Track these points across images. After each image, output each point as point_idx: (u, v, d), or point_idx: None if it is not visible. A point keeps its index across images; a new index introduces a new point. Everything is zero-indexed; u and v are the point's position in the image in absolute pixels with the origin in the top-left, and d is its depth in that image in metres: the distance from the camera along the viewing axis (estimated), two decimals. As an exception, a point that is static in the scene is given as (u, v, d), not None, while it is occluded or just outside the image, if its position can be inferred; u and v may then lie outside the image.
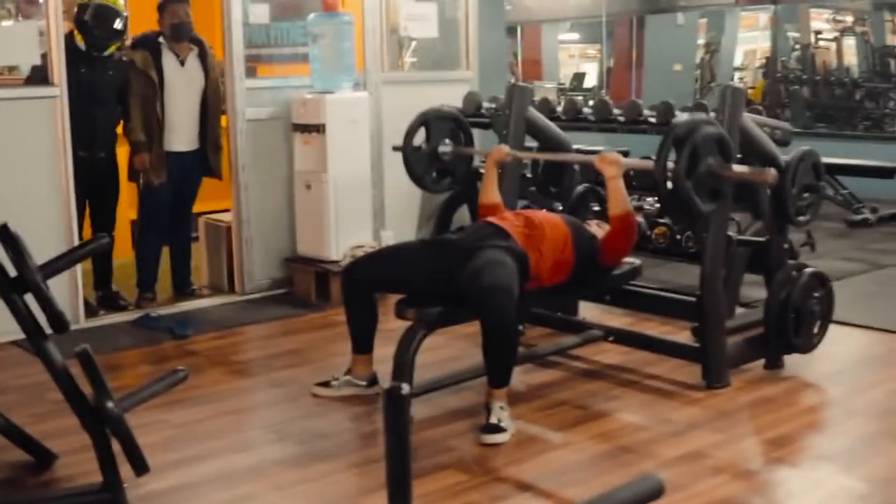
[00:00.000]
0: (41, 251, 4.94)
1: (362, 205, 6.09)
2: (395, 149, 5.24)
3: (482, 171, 4.83)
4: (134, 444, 3.11)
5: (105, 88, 5.65)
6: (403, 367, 4.00)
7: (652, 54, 11.88)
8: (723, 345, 4.34)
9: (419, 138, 5.13)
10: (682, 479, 3.42)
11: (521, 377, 4.49)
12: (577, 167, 5.21)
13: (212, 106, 5.80)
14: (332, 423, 4.04)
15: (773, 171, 3.95)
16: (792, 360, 4.57)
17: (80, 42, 5.51)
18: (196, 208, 6.30)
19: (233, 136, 5.96)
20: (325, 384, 4.36)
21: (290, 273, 6.16)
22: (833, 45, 12.63)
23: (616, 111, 5.07)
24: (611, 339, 4.73)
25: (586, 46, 15.99)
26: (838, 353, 4.83)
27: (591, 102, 5.64)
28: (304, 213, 6.04)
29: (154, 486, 3.41)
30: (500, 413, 3.85)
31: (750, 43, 14.28)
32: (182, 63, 5.74)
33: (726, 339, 4.36)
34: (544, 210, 4.75)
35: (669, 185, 3.87)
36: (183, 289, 6.11)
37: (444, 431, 3.92)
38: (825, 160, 8.01)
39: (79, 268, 5.42)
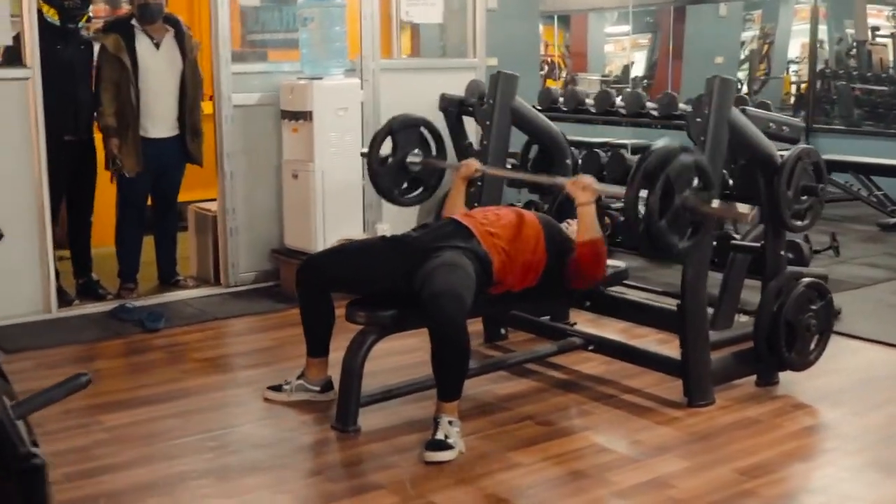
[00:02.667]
0: (12, 235, 4.92)
1: (352, 196, 5.81)
2: (364, 156, 4.94)
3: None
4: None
5: (82, 65, 5.44)
6: (351, 374, 3.74)
7: (692, 46, 11.40)
8: (705, 359, 3.98)
9: (387, 149, 4.81)
10: (631, 511, 3.10)
11: (490, 386, 4.20)
12: (568, 162, 4.87)
13: (190, 89, 5.54)
14: (274, 432, 3.77)
15: (753, 211, 3.58)
16: (788, 377, 4.21)
17: (51, 16, 5.29)
18: (188, 196, 6.10)
19: (218, 123, 5.71)
20: (278, 388, 4.10)
21: (278, 265, 5.91)
22: (890, 42, 12.08)
23: (650, 104, 4.73)
24: (591, 348, 4.39)
25: (638, 37, 15.55)
26: (843, 369, 4.45)
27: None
28: (291, 203, 5.78)
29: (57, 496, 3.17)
30: (448, 428, 3.55)
31: (805, 36, 13.75)
32: (157, 45, 5.49)
33: (709, 353, 4.01)
34: (518, 206, 4.43)
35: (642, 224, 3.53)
36: (168, 279, 5.90)
37: (390, 445, 3.63)
38: (864, 159, 7.80)
39: (50, 256, 5.24)
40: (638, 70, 14.37)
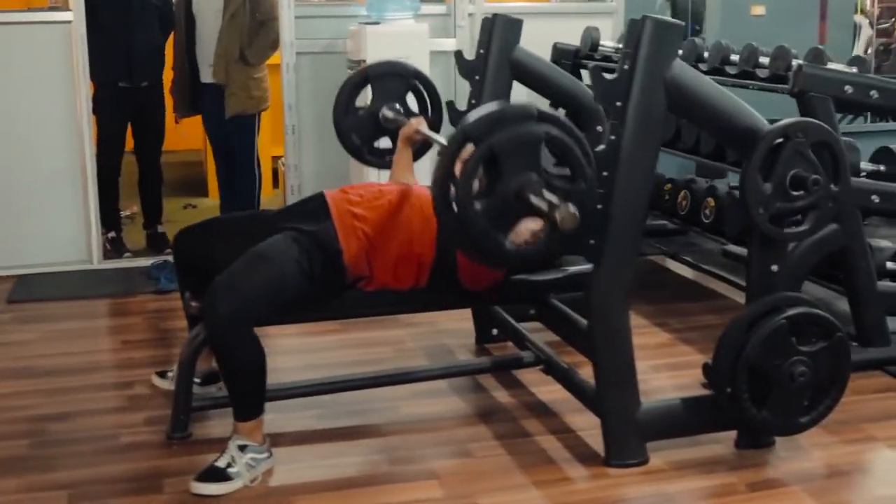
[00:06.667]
0: (54, 180, 4.93)
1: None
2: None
3: None
4: None
5: (140, 10, 5.19)
6: (181, 368, 3.15)
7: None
8: (628, 401, 2.93)
9: (365, 99, 3.95)
10: None
11: (403, 402, 3.41)
12: (600, 129, 3.84)
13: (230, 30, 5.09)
14: (109, 427, 3.28)
15: (571, 213, 2.47)
16: (797, 443, 3.04)
17: None
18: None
19: (282, 72, 5.24)
20: (163, 375, 3.60)
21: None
22: None
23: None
24: (541, 367, 3.44)
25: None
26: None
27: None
28: (352, 164, 5.18)
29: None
30: (236, 454, 2.87)
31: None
32: None
33: (635, 392, 2.94)
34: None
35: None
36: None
37: (190, 462, 3.00)
38: None
39: (93, 205, 5.08)
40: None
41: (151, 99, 5.33)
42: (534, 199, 2.47)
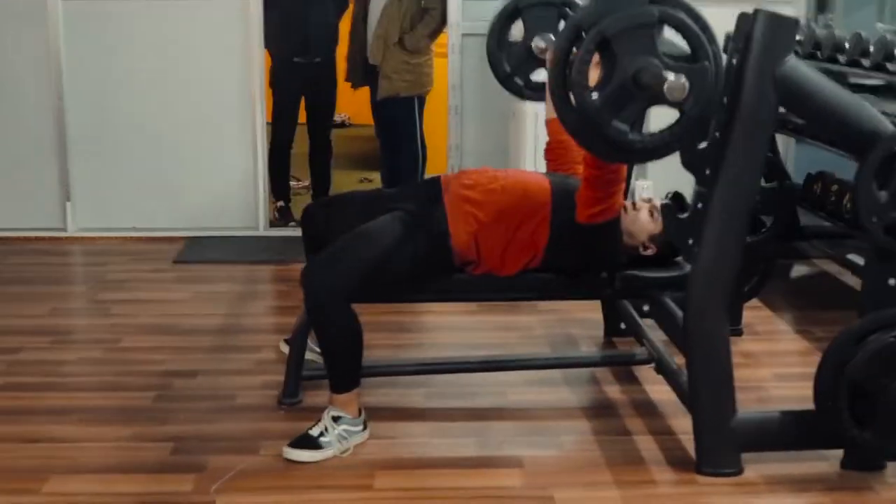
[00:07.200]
0: (226, 149, 5.30)
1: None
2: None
3: None
4: None
5: None
6: (295, 337, 3.30)
7: None
8: (722, 407, 2.83)
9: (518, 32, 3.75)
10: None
11: (515, 389, 3.44)
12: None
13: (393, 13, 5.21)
14: (228, 388, 3.46)
15: (680, 83, 2.39)
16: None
17: None
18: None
19: (448, 53, 5.31)
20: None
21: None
22: None
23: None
24: (653, 365, 3.37)
25: None
26: None
27: None
28: (512, 145, 5.20)
29: None
30: (329, 424, 2.97)
31: None
32: None
33: (732, 395, 2.84)
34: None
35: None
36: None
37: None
38: None
39: (261, 174, 5.33)
40: None
41: (324, 74, 5.52)
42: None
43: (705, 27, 2.52)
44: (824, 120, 2.76)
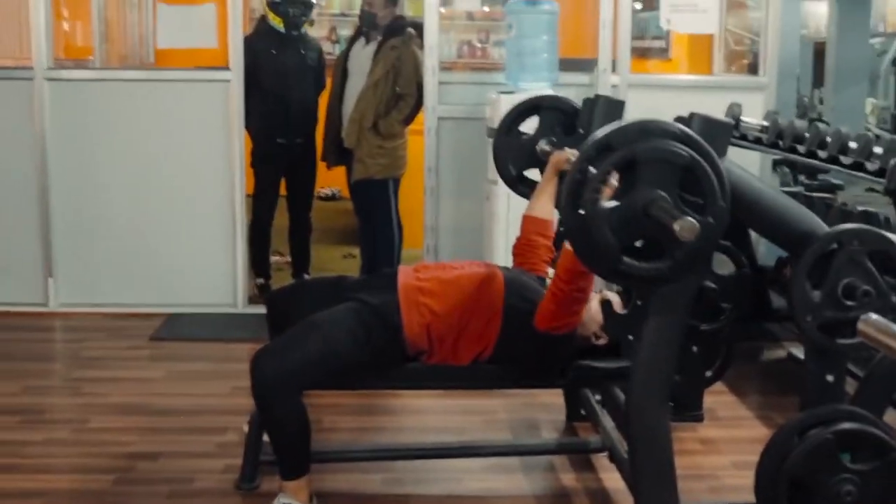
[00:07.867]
0: (206, 226, 5.38)
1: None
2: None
3: None
4: None
5: (301, 71, 5.52)
6: (252, 421, 3.33)
7: None
8: (664, 499, 2.86)
9: (530, 127, 3.93)
10: None
11: (472, 476, 3.48)
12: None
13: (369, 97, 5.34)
14: (188, 471, 3.50)
15: (691, 224, 2.40)
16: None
17: (275, 23, 5.46)
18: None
19: (424, 135, 5.42)
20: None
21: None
22: None
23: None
24: (605, 453, 3.41)
25: None
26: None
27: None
28: (485, 225, 5.28)
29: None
30: (277, 511, 3.02)
31: None
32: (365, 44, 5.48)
33: (675, 495, 2.87)
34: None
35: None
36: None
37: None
38: None
39: (240, 252, 5.41)
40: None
41: (304, 154, 5.63)
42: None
43: (723, 183, 2.52)
44: (759, 219, 2.83)
